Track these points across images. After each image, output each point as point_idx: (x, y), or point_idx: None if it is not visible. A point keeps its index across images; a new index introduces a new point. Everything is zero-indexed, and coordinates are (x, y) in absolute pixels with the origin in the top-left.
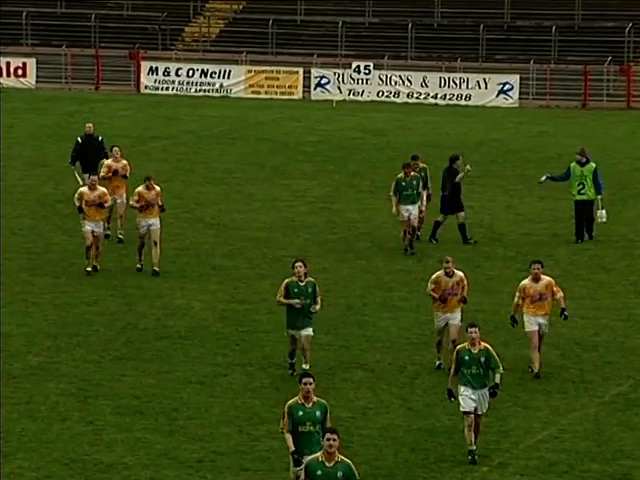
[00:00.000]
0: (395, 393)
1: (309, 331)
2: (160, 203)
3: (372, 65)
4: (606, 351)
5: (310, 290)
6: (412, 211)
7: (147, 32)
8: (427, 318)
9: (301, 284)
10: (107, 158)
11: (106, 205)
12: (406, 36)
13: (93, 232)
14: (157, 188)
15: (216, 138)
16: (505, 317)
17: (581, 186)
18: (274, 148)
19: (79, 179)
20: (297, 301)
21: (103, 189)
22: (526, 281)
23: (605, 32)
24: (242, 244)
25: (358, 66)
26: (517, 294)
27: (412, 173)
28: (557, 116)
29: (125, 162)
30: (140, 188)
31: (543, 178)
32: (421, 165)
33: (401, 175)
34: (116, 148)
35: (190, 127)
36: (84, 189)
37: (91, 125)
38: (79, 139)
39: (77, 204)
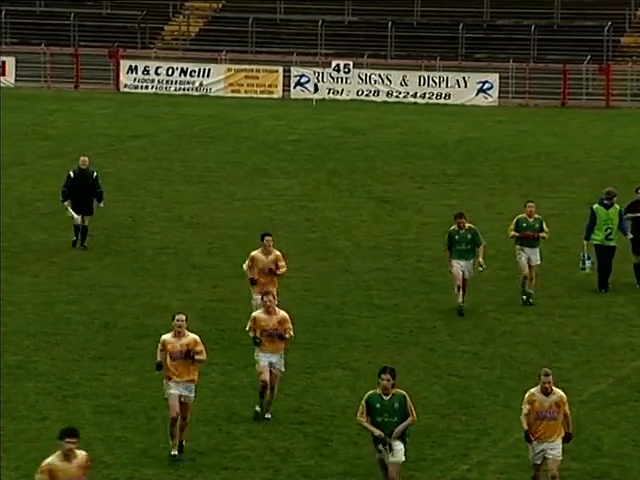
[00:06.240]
0: None
1: (399, 456)
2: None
3: (352, 64)
4: (585, 349)
5: (397, 406)
6: (465, 268)
7: (126, 31)
8: (406, 317)
9: (385, 398)
10: (101, 199)
11: (197, 357)
12: (386, 35)
13: (180, 397)
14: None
15: (195, 137)
16: (484, 315)
17: (609, 231)
18: (253, 147)
19: (73, 214)
20: (379, 432)
21: (195, 336)
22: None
23: (584, 31)
24: (221, 243)
25: (338, 65)
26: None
27: (467, 225)
28: (536, 115)
29: (278, 253)
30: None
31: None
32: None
33: (454, 227)
34: (268, 237)
35: (169, 126)
36: (167, 336)
37: (86, 159)
38: (71, 173)
39: (158, 358)
